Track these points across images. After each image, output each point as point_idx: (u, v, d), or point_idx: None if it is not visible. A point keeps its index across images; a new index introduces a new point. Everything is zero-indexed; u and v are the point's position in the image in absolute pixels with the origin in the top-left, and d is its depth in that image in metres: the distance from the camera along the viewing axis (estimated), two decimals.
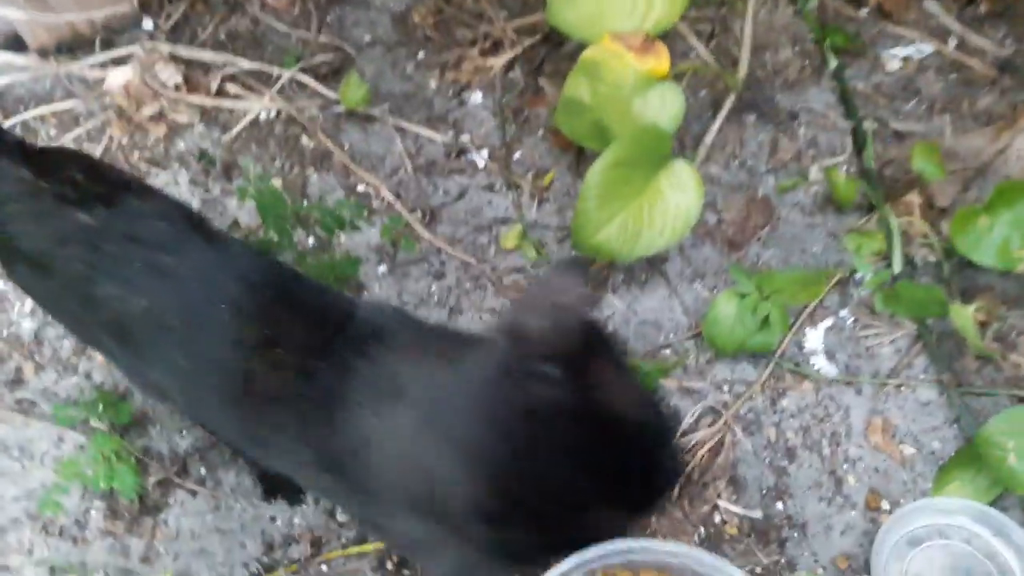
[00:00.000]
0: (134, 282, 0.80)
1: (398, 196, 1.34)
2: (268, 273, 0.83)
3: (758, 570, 1.05)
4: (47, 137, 1.46)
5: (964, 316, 1.03)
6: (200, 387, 0.82)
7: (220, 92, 1.46)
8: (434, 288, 1.28)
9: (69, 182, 0.84)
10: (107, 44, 1.50)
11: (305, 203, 1.34)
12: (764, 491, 1.10)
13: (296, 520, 1.14)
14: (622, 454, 0.61)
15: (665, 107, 1.11)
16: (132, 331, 0.82)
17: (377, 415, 0.69)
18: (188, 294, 0.80)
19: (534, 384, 0.60)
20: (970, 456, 1.04)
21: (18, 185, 0.85)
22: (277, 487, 1.14)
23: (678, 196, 1.10)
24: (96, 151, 1.46)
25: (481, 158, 1.36)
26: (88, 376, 1.28)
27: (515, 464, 0.59)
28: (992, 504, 1.02)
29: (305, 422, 0.73)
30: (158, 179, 1.43)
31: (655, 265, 1.27)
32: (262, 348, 0.76)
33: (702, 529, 1.08)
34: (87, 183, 0.85)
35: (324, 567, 1.10)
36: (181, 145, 1.46)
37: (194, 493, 1.17)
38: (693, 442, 1.12)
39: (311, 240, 1.31)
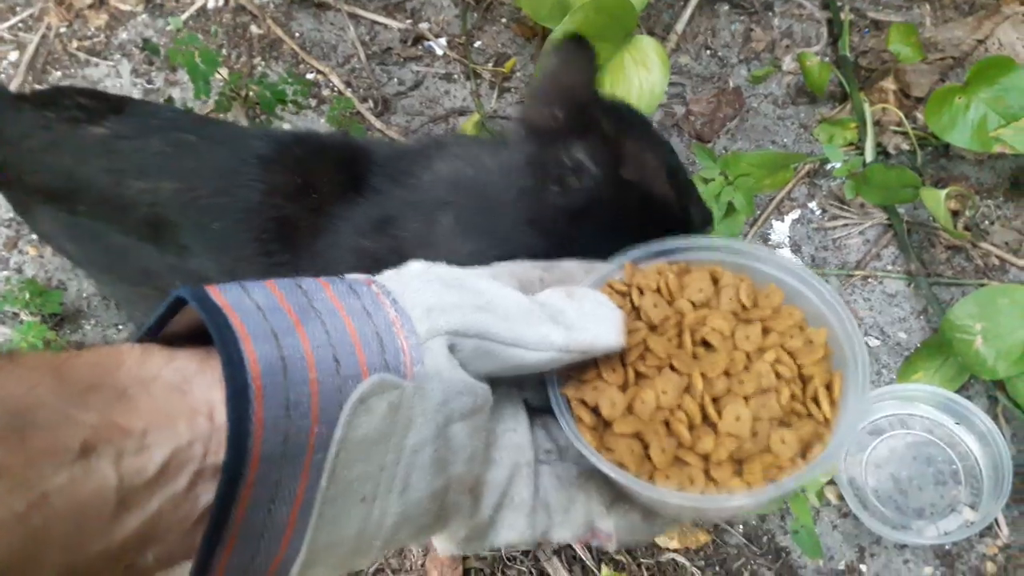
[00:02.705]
0: (160, 167, 0.79)
1: (349, 85, 1.27)
2: (288, 134, 0.85)
3: None
4: None
5: (936, 198, 0.98)
6: (238, 247, 0.78)
7: None
8: None
9: (74, 107, 0.83)
10: None
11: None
12: None
13: None
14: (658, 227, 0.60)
15: None
16: (166, 219, 0.79)
17: (420, 228, 0.68)
18: (214, 159, 0.78)
19: (567, 177, 0.60)
20: (936, 346, 1.00)
21: (25, 123, 0.83)
22: None
23: (642, 74, 1.04)
24: (32, 41, 1.37)
25: (439, 46, 1.29)
26: (19, 270, 1.21)
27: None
28: (956, 393, 0.98)
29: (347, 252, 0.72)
30: (98, 69, 1.35)
31: None
32: (297, 195, 0.74)
33: None
34: (91, 102, 0.84)
35: None
36: (123, 35, 1.38)
37: None
38: None
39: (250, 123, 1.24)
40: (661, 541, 0.98)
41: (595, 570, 0.96)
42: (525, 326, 0.35)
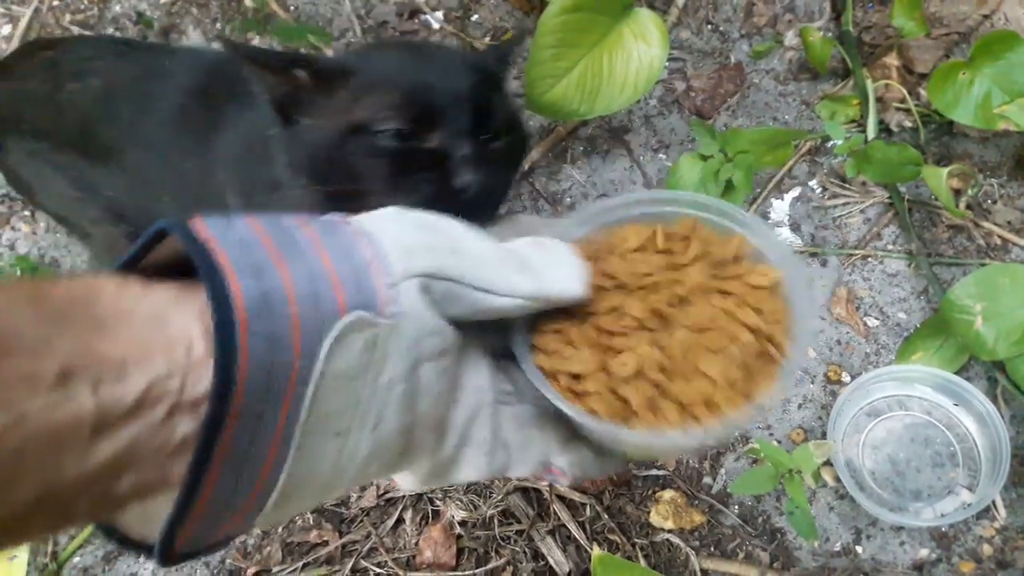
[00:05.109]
0: (91, 69, 0.89)
1: None
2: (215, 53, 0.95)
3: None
4: None
5: (938, 177, 0.96)
6: (146, 136, 0.86)
7: None
8: None
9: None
10: None
11: None
12: None
13: None
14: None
15: None
16: (90, 118, 0.87)
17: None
18: (145, 62, 0.90)
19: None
20: (936, 326, 0.99)
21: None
22: None
23: (641, 47, 1.02)
24: (25, 14, 1.35)
25: (436, 19, 1.27)
26: (12, 247, 1.20)
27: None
28: (956, 374, 0.97)
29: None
30: None
31: (617, 135, 1.19)
32: (198, 93, 0.84)
33: None
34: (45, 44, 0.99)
35: None
36: (117, 7, 1.36)
37: None
38: None
39: None
40: (656, 521, 0.97)
41: (588, 549, 0.95)
42: (495, 272, 0.36)
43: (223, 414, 0.27)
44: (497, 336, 0.41)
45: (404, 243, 0.34)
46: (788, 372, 0.39)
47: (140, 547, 0.31)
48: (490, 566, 0.96)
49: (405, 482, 0.40)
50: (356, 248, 0.33)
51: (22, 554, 0.98)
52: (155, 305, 0.29)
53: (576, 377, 0.39)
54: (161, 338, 0.28)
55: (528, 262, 0.38)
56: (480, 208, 0.45)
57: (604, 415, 0.38)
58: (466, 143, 0.59)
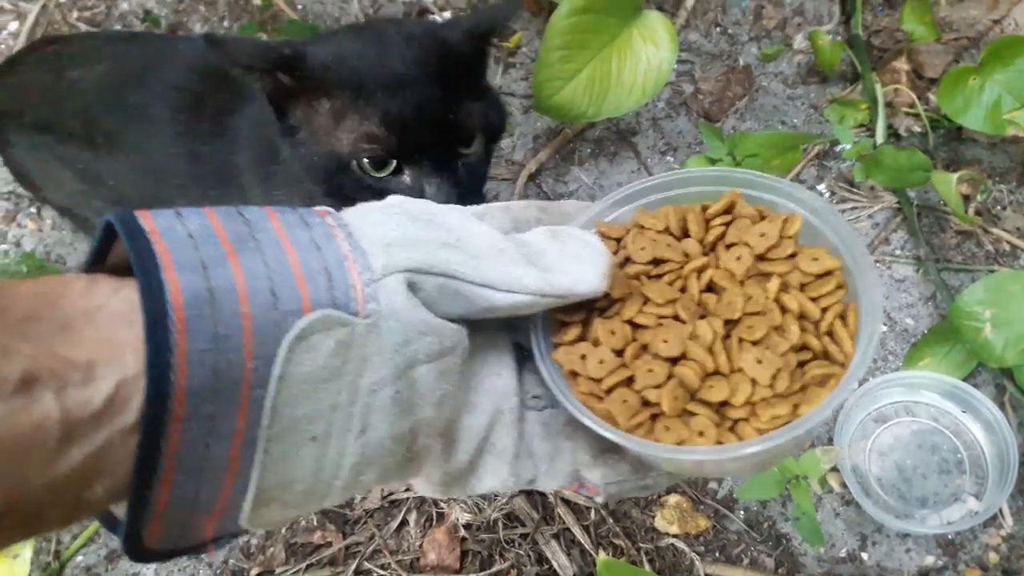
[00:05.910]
0: (95, 55, 0.90)
1: None
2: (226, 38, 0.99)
3: None
4: None
5: (947, 182, 0.96)
6: (154, 120, 0.85)
7: None
8: None
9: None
10: None
11: None
12: None
13: None
14: None
15: None
16: (92, 108, 0.88)
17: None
18: (150, 47, 0.91)
19: None
20: (944, 332, 0.99)
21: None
22: None
23: (650, 50, 1.01)
24: (32, 11, 1.35)
25: (444, 19, 1.26)
26: (18, 243, 1.20)
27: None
28: (963, 381, 0.97)
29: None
30: None
31: (625, 137, 1.19)
32: (210, 76, 0.84)
33: None
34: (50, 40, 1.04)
35: None
36: (124, 5, 1.36)
37: None
38: None
39: None
40: (660, 526, 0.97)
41: (593, 553, 0.95)
42: (496, 266, 0.33)
43: (162, 414, 0.26)
44: (526, 335, 0.37)
45: (388, 236, 0.31)
46: (849, 378, 0.32)
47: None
48: (494, 569, 0.96)
49: (422, 488, 0.38)
50: (331, 242, 0.31)
51: (25, 552, 0.97)
52: (124, 302, 0.27)
53: (598, 380, 0.35)
54: (130, 336, 0.27)
55: (539, 255, 0.34)
56: None
57: (624, 424, 0.33)
58: (437, 177, 0.62)
